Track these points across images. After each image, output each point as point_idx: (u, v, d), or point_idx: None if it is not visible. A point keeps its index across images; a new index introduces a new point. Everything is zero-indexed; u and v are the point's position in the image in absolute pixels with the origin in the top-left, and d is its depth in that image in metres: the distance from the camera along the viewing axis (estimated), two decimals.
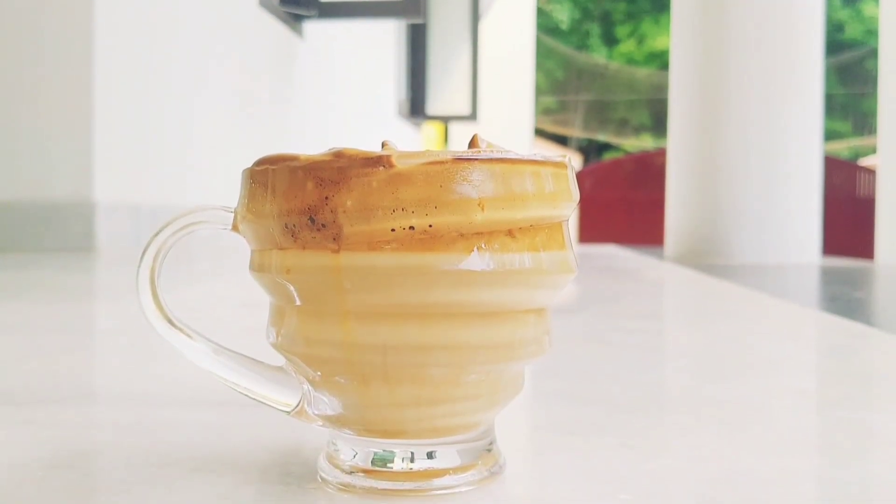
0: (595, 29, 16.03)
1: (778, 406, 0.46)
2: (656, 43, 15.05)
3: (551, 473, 0.32)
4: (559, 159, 0.28)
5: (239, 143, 2.56)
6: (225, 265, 1.55)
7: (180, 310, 0.32)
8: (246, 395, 0.32)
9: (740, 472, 0.32)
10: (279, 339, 0.29)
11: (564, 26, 15.75)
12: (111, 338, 0.73)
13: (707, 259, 2.90)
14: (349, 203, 0.25)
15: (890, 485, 0.32)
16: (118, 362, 0.59)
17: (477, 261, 0.26)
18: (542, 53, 12.13)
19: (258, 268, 0.29)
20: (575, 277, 0.31)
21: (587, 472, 0.32)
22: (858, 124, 13.99)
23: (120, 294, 1.04)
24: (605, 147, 15.21)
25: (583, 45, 15.63)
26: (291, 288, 0.27)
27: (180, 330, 0.31)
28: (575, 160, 11.60)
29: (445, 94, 5.26)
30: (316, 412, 0.30)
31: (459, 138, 7.33)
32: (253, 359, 0.32)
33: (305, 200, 0.26)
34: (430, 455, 0.29)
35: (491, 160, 0.26)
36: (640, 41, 15.75)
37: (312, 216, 0.26)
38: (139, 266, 0.31)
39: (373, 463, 0.29)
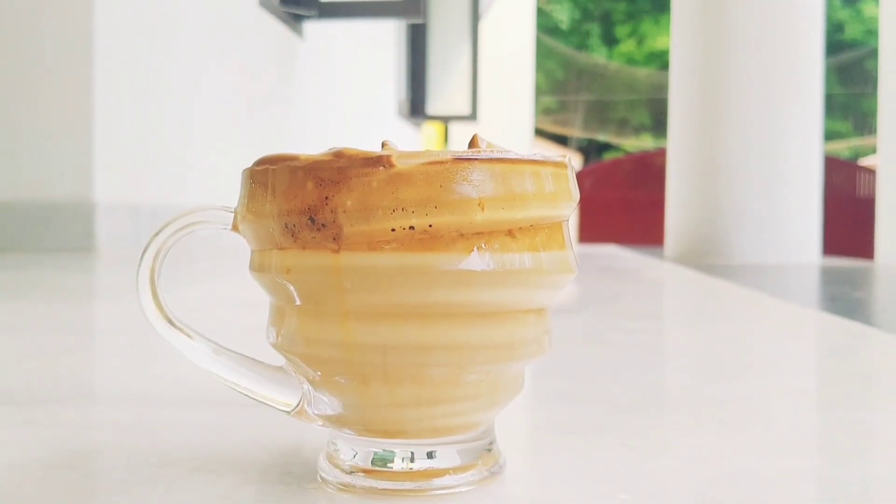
0: (595, 29, 16.04)
1: (778, 406, 0.46)
2: (656, 43, 15.05)
3: (551, 473, 0.32)
4: (559, 159, 0.28)
5: (239, 143, 2.56)
6: (225, 265, 1.55)
7: (180, 310, 0.32)
8: (246, 395, 0.32)
9: (740, 472, 0.32)
10: (279, 339, 0.29)
11: (564, 26, 15.75)
12: (111, 338, 0.73)
13: (707, 259, 2.90)
14: (349, 203, 0.25)
15: (890, 485, 0.32)
16: (118, 362, 0.59)
17: (477, 261, 0.26)
18: (542, 53, 12.14)
19: (258, 268, 0.29)
20: (575, 277, 0.31)
21: (587, 472, 0.32)
22: (858, 124, 14.00)
23: (120, 294, 1.04)
24: (605, 147, 15.21)
25: (583, 45, 15.64)
26: (291, 288, 0.27)
27: (180, 330, 0.31)
28: (575, 160, 11.61)
29: (445, 94, 5.26)
30: (316, 412, 0.30)
31: (459, 138, 7.33)
32: (253, 359, 0.32)
33: (305, 200, 0.26)
34: (430, 455, 0.29)
35: (491, 160, 0.26)
36: (640, 41, 15.75)
37: (312, 216, 0.26)
38: (139, 266, 0.31)
39: (373, 463, 0.29)
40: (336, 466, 0.29)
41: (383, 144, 0.28)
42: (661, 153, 6.30)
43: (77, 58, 1.79)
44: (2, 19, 1.80)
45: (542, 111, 13.55)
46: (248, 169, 0.29)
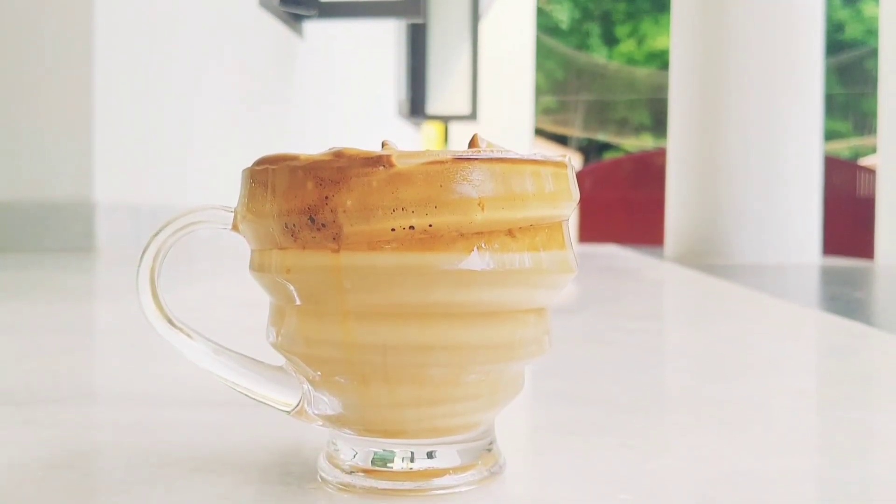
0: (595, 29, 16.04)
1: (778, 406, 0.46)
2: (656, 43, 15.05)
3: (551, 473, 0.32)
4: (559, 159, 0.28)
5: (239, 143, 2.56)
6: (225, 265, 1.55)
7: (180, 310, 0.32)
8: (246, 395, 0.32)
9: (740, 472, 0.32)
10: (279, 338, 0.29)
11: (564, 26, 15.76)
12: (111, 338, 0.73)
13: (707, 259, 2.90)
14: (349, 203, 0.25)
15: (890, 485, 0.32)
16: (118, 362, 0.59)
17: (477, 260, 0.26)
18: (542, 53, 12.14)
19: (258, 267, 0.29)
20: (575, 277, 0.31)
21: (587, 472, 0.32)
22: (858, 124, 14.00)
23: (120, 294, 1.04)
24: (605, 147, 15.22)
25: (583, 45, 15.64)
26: (291, 288, 0.27)
27: (180, 330, 0.31)
28: (575, 160, 11.58)
29: (445, 93, 5.26)
30: (316, 412, 0.30)
31: (459, 138, 7.33)
32: (253, 359, 0.32)
33: (305, 200, 0.26)
34: (430, 455, 0.29)
35: (491, 160, 0.26)
36: (640, 41, 15.75)
37: (312, 216, 0.26)
38: (139, 266, 0.31)
39: (373, 463, 0.29)
40: (336, 466, 0.29)
41: (383, 144, 0.28)
42: (661, 153, 6.30)
43: (77, 58, 1.79)
44: (2, 19, 1.80)
45: (542, 111, 13.55)
46: (248, 169, 0.29)
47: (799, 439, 0.39)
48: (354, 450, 0.29)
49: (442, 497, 0.28)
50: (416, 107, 5.28)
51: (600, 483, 0.30)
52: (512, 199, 0.26)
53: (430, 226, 0.25)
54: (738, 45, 2.89)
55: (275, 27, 2.86)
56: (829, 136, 11.18)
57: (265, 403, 0.31)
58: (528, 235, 0.27)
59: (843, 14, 14.95)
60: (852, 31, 14.91)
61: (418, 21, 3.79)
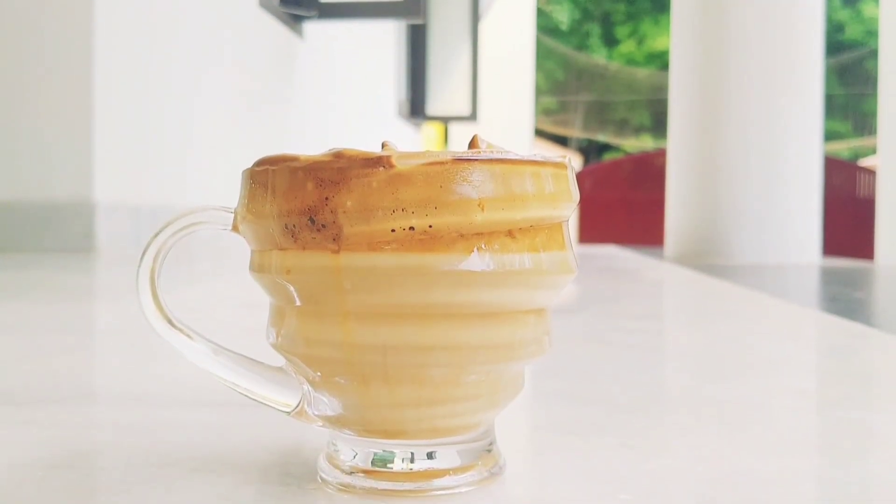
0: (595, 29, 16.04)
1: (778, 406, 0.46)
2: (656, 43, 15.05)
3: (551, 474, 0.32)
4: (559, 160, 0.28)
5: (239, 143, 2.56)
6: (225, 266, 1.55)
7: (180, 310, 0.32)
8: (246, 396, 0.32)
9: (740, 472, 0.32)
10: (279, 339, 0.29)
11: (564, 27, 15.76)
12: (111, 338, 0.73)
13: (707, 259, 2.90)
14: (349, 203, 0.25)
15: (890, 485, 0.32)
16: (118, 362, 0.59)
17: (477, 261, 0.26)
18: (542, 54, 12.14)
19: (258, 268, 0.29)
20: (575, 278, 0.31)
21: (587, 472, 0.32)
22: (858, 125, 14.00)
23: (120, 294, 1.04)
24: (605, 147, 15.22)
25: (583, 46, 15.64)
26: (291, 288, 0.27)
27: (180, 330, 0.31)
28: (575, 161, 11.61)
29: (445, 94, 5.26)
30: (316, 413, 0.30)
31: (459, 139, 7.33)
32: (253, 359, 0.32)
33: (305, 201, 0.26)
34: (430, 455, 0.29)
35: (491, 161, 0.26)
36: (640, 42, 15.76)
37: (312, 217, 0.26)
38: (139, 266, 0.31)
39: (373, 463, 0.29)
40: (336, 467, 0.29)
41: (383, 145, 0.28)
42: (661, 153, 6.30)
43: (77, 58, 1.79)
44: (2, 19, 1.80)
45: (542, 112, 13.55)
46: (248, 169, 0.29)
47: (799, 439, 0.39)
48: (354, 450, 0.29)
49: (442, 498, 0.28)
50: (416, 107, 5.29)
51: (600, 483, 0.30)
52: (512, 199, 0.26)
53: (430, 226, 0.25)
54: (738, 45, 2.89)
55: (275, 27, 2.86)
56: (829, 136, 11.18)
57: (265, 404, 0.31)
58: (528, 236, 0.27)
59: (843, 15, 14.95)
60: (852, 31, 14.91)
61: (418, 22, 3.79)
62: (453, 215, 0.25)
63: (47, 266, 1.40)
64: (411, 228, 0.25)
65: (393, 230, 0.25)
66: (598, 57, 15.41)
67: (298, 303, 0.28)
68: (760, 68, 2.87)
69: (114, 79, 1.87)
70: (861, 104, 13.64)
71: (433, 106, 5.31)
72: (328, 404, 0.29)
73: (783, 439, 0.38)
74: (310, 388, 0.30)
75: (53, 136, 1.80)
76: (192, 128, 2.27)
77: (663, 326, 0.95)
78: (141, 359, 0.59)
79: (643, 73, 14.60)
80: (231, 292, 1.14)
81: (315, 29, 3.26)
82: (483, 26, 6.30)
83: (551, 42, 14.06)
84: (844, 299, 1.66)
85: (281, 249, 0.27)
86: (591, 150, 14.96)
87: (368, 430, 0.28)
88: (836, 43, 13.56)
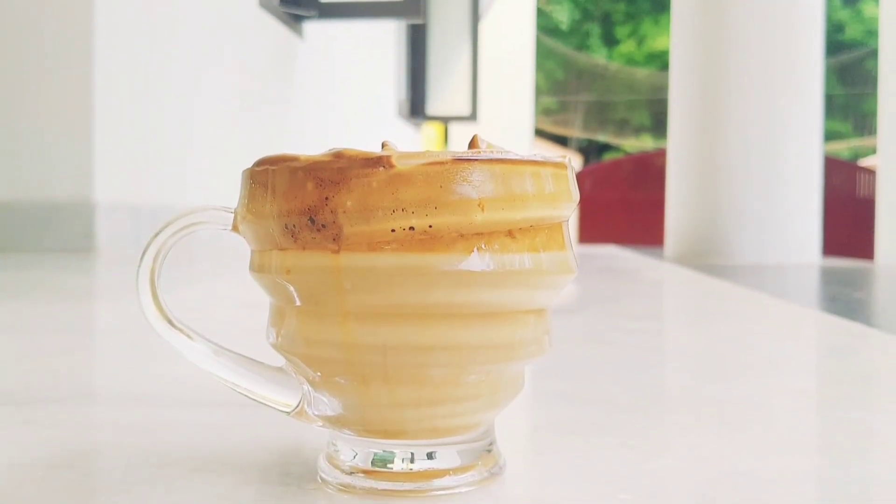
0: (595, 29, 16.04)
1: (778, 406, 0.46)
2: (656, 43, 15.05)
3: (551, 474, 0.32)
4: (559, 160, 0.28)
5: (239, 143, 2.56)
6: (225, 266, 1.55)
7: (180, 310, 0.32)
8: (246, 396, 0.32)
9: (740, 472, 0.32)
10: (279, 339, 0.29)
11: (564, 27, 15.76)
12: (111, 338, 0.73)
13: (707, 259, 2.90)
14: (349, 203, 0.25)
15: (890, 485, 0.32)
16: (118, 362, 0.59)
17: (477, 261, 0.26)
18: (542, 54, 12.14)
19: (258, 268, 0.29)
20: (575, 278, 0.31)
21: (587, 472, 0.32)
22: (858, 125, 14.00)
23: (120, 294, 1.04)
24: (605, 147, 15.22)
25: (583, 46, 15.64)
26: (291, 288, 0.27)
27: (180, 330, 0.31)
28: (575, 161, 11.61)
29: (445, 94, 5.26)
30: (316, 413, 0.30)
31: (459, 139, 7.33)
32: (253, 359, 0.32)
33: (305, 201, 0.26)
34: (430, 455, 0.29)
35: (491, 161, 0.26)
36: (640, 42, 15.76)
37: (312, 217, 0.26)
38: (139, 266, 0.31)
39: (373, 463, 0.29)
40: (336, 467, 0.29)
41: (383, 145, 0.28)
42: (661, 154, 6.30)
43: (77, 58, 1.79)
44: (2, 19, 1.80)
45: (542, 112, 13.55)
46: (248, 169, 0.29)
47: (799, 439, 0.39)
48: (354, 450, 0.29)
49: (442, 498, 0.28)
50: (416, 107, 5.29)
51: (600, 483, 0.30)
52: (512, 199, 0.26)
53: (430, 226, 0.25)
54: (738, 45, 2.89)
55: (275, 27, 2.86)
56: (830, 136, 11.18)
57: (265, 404, 0.31)
58: (528, 236, 0.27)
59: (843, 14, 14.95)
60: (852, 31, 14.91)
61: (418, 21, 3.79)
62: (453, 215, 0.25)
63: (47, 266, 1.40)
64: (411, 228, 0.25)
65: (393, 230, 0.25)
66: (598, 57, 15.41)
67: (298, 303, 0.28)
68: (760, 68, 2.87)
69: (114, 79, 1.87)
70: (861, 104, 13.64)
71: (433, 106, 5.31)
72: (328, 404, 0.29)
73: (783, 439, 0.38)
74: (310, 389, 0.30)
75: (53, 136, 1.80)
76: (192, 128, 2.27)
77: (663, 326, 0.95)
78: (141, 359, 0.59)
79: (643, 73, 14.61)
80: (231, 293, 1.14)
81: (315, 29, 3.26)
82: (483, 26, 6.30)
83: (551, 42, 14.06)
84: (844, 299, 1.66)
85: (281, 249, 0.27)
86: (591, 150, 14.96)
87: (368, 430, 0.28)
88: (836, 43, 13.57)
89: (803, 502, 0.30)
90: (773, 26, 2.87)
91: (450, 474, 0.29)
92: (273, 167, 0.27)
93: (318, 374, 0.28)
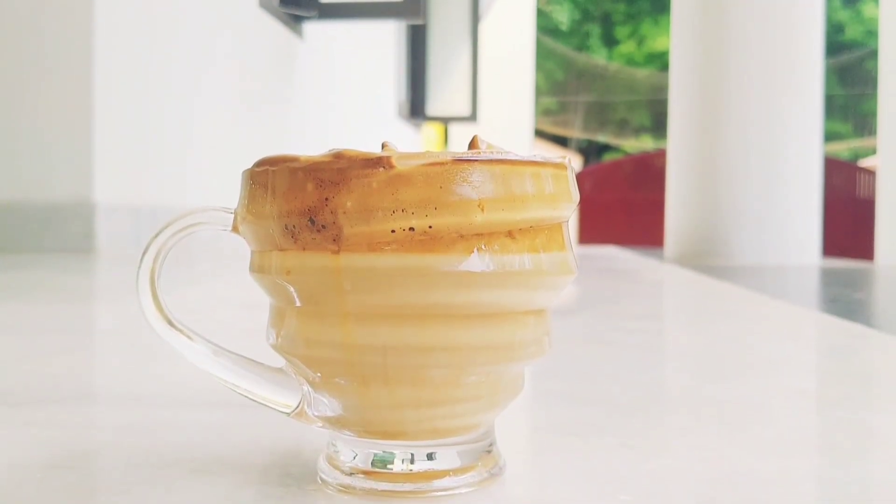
0: (595, 30, 16.04)
1: (778, 406, 0.46)
2: (656, 44, 15.06)
3: (551, 474, 0.32)
4: (559, 160, 0.28)
5: (239, 143, 2.56)
6: (225, 266, 1.55)
7: (180, 311, 0.32)
8: (246, 397, 0.32)
9: (740, 472, 0.32)
10: (279, 340, 0.29)
11: (564, 27, 15.76)
12: (111, 338, 0.73)
13: (707, 260, 2.90)
14: (349, 204, 0.25)
15: (890, 485, 0.32)
16: (118, 362, 0.59)
17: (477, 262, 0.26)
18: (542, 54, 12.14)
19: (258, 269, 0.29)
20: (575, 279, 0.31)
21: (587, 472, 0.32)
22: (858, 125, 14.00)
23: (120, 295, 1.04)
24: (605, 148, 15.22)
25: (583, 46, 15.64)
26: (291, 289, 0.27)
27: (180, 331, 0.31)
28: (575, 161, 11.61)
29: (445, 94, 5.26)
30: (316, 413, 0.30)
31: (459, 139, 7.33)
32: (253, 360, 0.32)
33: (305, 201, 0.26)
34: (430, 456, 0.29)
35: (491, 161, 0.26)
36: (640, 42, 15.76)
37: (312, 217, 0.26)
38: (139, 267, 0.31)
39: (373, 464, 0.29)
40: (336, 468, 0.29)
41: (383, 145, 0.28)
42: (661, 154, 6.31)
43: (77, 58, 1.79)
44: (2, 19, 1.80)
45: (542, 112, 13.55)
46: (248, 170, 0.29)
47: (799, 439, 0.39)
48: (354, 451, 0.29)
49: (442, 499, 0.28)
50: (415, 108, 5.28)
51: (600, 483, 0.30)
52: (512, 200, 0.26)
53: (430, 227, 0.25)
54: (738, 45, 2.89)
55: (275, 28, 2.86)
56: (829, 137, 11.19)
57: (265, 405, 0.31)
58: (528, 237, 0.27)
59: (843, 15, 14.96)
60: (852, 32, 14.91)
61: (418, 22, 3.79)
62: (453, 216, 0.25)
63: (47, 267, 1.40)
64: (411, 229, 0.25)
65: (393, 231, 0.25)
66: (598, 57, 15.41)
67: (298, 303, 0.28)
68: (760, 68, 2.87)
69: (114, 79, 1.87)
70: (861, 105, 13.64)
71: (433, 106, 5.31)
72: (328, 405, 0.29)
73: (783, 439, 0.38)
74: (310, 389, 0.30)
75: (53, 136, 1.80)
76: (192, 128, 2.27)
77: (663, 327, 0.95)
78: (141, 359, 0.59)
79: (643, 74, 14.61)
80: (231, 293, 1.14)
81: (315, 29, 3.26)
82: (483, 27, 6.30)
83: (551, 42, 14.06)
84: (844, 300, 1.66)
85: (281, 250, 0.27)
86: (590, 151, 14.96)
87: (368, 430, 0.28)
88: (836, 43, 13.57)
89: (803, 502, 0.30)
90: (773, 26, 2.87)
91: (450, 475, 0.29)
92: (273, 168, 0.27)
93: (318, 374, 0.28)
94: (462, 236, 0.26)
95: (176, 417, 0.40)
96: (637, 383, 0.52)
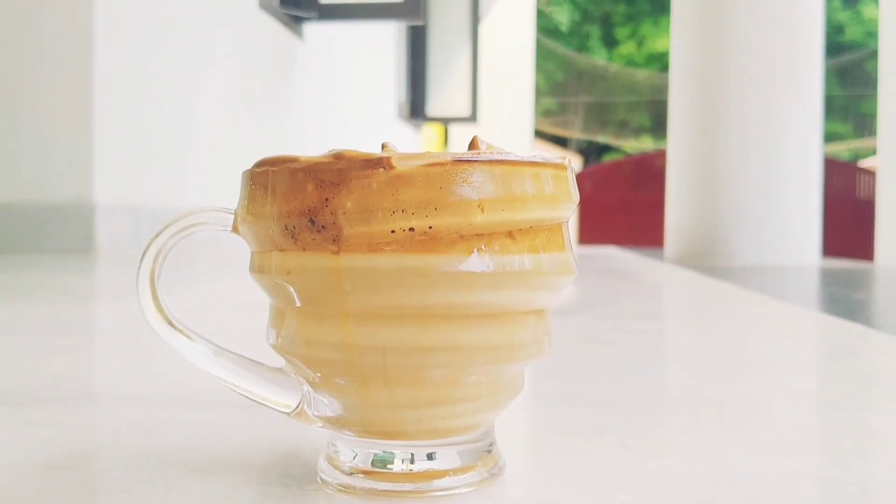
0: (595, 31, 16.04)
1: (778, 406, 0.46)
2: (656, 45, 15.06)
3: (551, 474, 0.32)
4: (559, 161, 0.28)
5: (239, 143, 2.56)
6: (225, 267, 1.55)
7: (180, 311, 0.32)
8: (246, 397, 0.32)
9: (740, 472, 0.32)
10: (279, 340, 0.29)
11: (564, 28, 15.77)
12: (111, 338, 0.73)
13: (707, 260, 2.90)
14: (349, 205, 0.25)
15: (890, 485, 0.32)
16: (118, 362, 0.59)
17: (477, 262, 0.26)
18: (542, 55, 12.14)
19: (258, 269, 0.29)
20: (575, 279, 0.31)
21: (587, 472, 0.32)
22: (858, 126, 14.00)
23: (120, 295, 1.04)
24: (605, 149, 15.22)
25: (583, 47, 15.65)
26: (291, 289, 0.27)
27: (180, 331, 0.31)
28: (575, 162, 11.61)
29: (445, 95, 5.26)
30: (316, 413, 0.30)
31: (459, 140, 7.33)
32: (253, 360, 0.32)
33: (305, 202, 0.26)
34: (430, 456, 0.29)
35: (491, 162, 0.26)
36: (640, 43, 15.76)
37: (312, 218, 0.26)
38: (139, 267, 0.31)
39: (373, 464, 0.29)
40: (336, 468, 0.29)
41: (383, 146, 0.28)
42: (661, 155, 6.31)
43: (77, 58, 1.79)
44: (2, 19, 1.80)
45: (542, 113, 13.55)
46: (248, 170, 0.29)
47: (799, 439, 0.39)
48: (354, 451, 0.29)
49: (442, 498, 0.28)
50: (415, 108, 5.29)
51: (600, 483, 0.30)
52: (512, 200, 0.26)
53: (430, 227, 0.25)
54: (738, 45, 2.89)
55: (275, 28, 2.86)
56: (829, 137, 11.19)
57: (265, 405, 0.31)
58: (528, 237, 0.27)
59: (843, 16, 14.96)
60: (852, 32, 14.91)
61: (418, 23, 3.79)
62: (453, 216, 0.25)
63: (47, 267, 1.40)
64: (411, 229, 0.25)
65: (393, 231, 0.25)
66: (598, 58, 15.41)
67: (298, 304, 0.28)
68: (760, 68, 2.87)
69: (114, 79, 1.87)
70: (861, 105, 13.63)
71: (433, 107, 5.31)
72: (328, 405, 0.29)
73: (783, 439, 0.38)
74: (310, 389, 0.30)
75: (53, 136, 1.80)
76: (192, 128, 2.27)
77: (663, 327, 0.95)
78: (141, 359, 0.59)
79: (643, 75, 14.61)
80: (231, 293, 1.14)
81: (315, 30, 3.27)
82: (483, 27, 6.30)
83: (551, 43, 14.06)
84: (844, 300, 1.66)
85: (281, 250, 0.27)
86: (590, 152, 14.97)
87: (368, 430, 0.29)
88: (836, 44, 13.57)
89: (803, 502, 0.30)
90: (773, 26, 2.87)
91: (450, 475, 0.29)
92: (273, 168, 0.27)
93: (318, 375, 0.28)
94: (462, 237, 0.26)
95: (176, 417, 0.40)
96: (637, 383, 0.52)
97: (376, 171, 0.25)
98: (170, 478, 0.30)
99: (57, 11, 1.79)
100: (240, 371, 0.31)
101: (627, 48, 15.78)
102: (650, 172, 7.34)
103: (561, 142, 14.09)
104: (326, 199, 0.26)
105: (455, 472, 0.29)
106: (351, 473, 0.29)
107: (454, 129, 7.42)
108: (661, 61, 14.16)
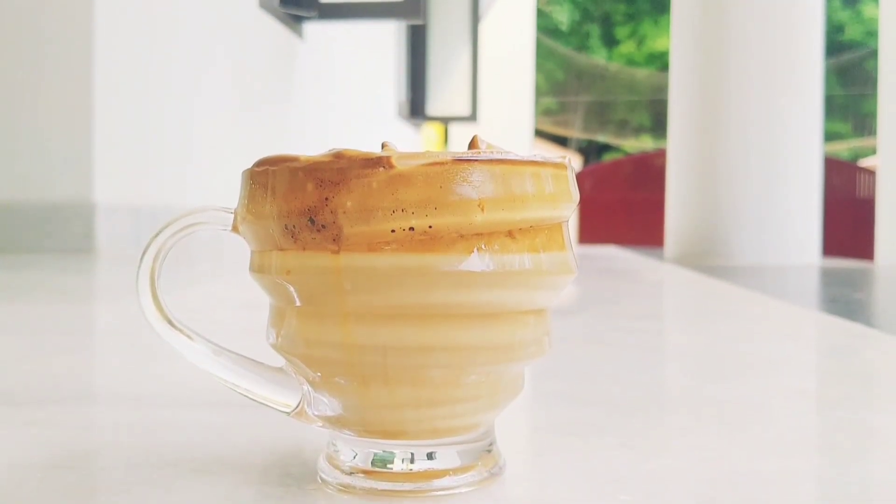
0: (595, 30, 16.04)
1: (778, 406, 0.46)
2: (656, 44, 15.06)
3: (551, 474, 0.32)
4: (559, 160, 0.28)
5: (239, 143, 2.56)
6: (225, 266, 1.55)
7: (180, 311, 0.32)
8: (246, 396, 0.32)
9: (740, 472, 0.32)
10: (279, 340, 0.29)
11: (564, 27, 15.76)
12: (111, 338, 0.73)
13: (707, 260, 2.90)
14: (349, 204, 0.25)
15: (890, 485, 0.32)
16: (118, 362, 0.59)
17: (477, 262, 0.26)
18: (542, 54, 12.14)
19: (258, 269, 0.29)
20: (575, 278, 0.31)
21: (587, 472, 0.32)
22: (858, 125, 14.00)
23: (120, 295, 1.04)
24: (605, 148, 15.22)
25: (583, 47, 15.64)
26: (291, 289, 0.27)
27: (180, 331, 0.31)
28: (575, 161, 11.61)
29: (445, 95, 5.26)
30: (316, 413, 0.30)
31: (459, 139, 7.33)
32: (253, 360, 0.32)
33: (305, 201, 0.26)
34: (430, 456, 0.29)
35: (491, 161, 0.26)
36: (640, 42, 15.76)
37: (312, 217, 0.26)
38: (139, 267, 0.31)
39: (373, 464, 0.29)
40: (336, 467, 0.29)
41: (383, 145, 0.28)
42: (661, 154, 6.31)
43: (77, 58, 1.79)
44: (2, 19, 1.80)
45: (542, 112, 13.55)
46: (248, 170, 0.29)
47: (799, 439, 0.39)
48: (354, 451, 0.29)
49: (442, 498, 0.28)
50: (415, 108, 5.28)
51: (600, 483, 0.30)
52: (512, 200, 0.26)
53: (430, 227, 0.25)
54: (738, 45, 2.89)
55: (275, 28, 2.86)
56: (829, 137, 11.19)
57: (265, 404, 0.31)
58: (528, 237, 0.27)
59: (843, 15, 14.96)
60: (852, 32, 14.91)
61: (418, 22, 3.79)
62: (453, 216, 0.25)
63: (47, 267, 1.40)
64: (411, 229, 0.25)
65: (393, 230, 0.25)
66: (598, 58, 15.41)
67: (298, 303, 0.28)
68: (760, 68, 2.87)
69: (114, 79, 1.87)
70: (861, 105, 13.63)
71: (433, 106, 5.31)
72: (328, 405, 0.29)
73: (783, 439, 0.38)
74: (310, 389, 0.30)
75: (53, 136, 1.80)
76: (192, 128, 2.27)
77: (663, 327, 0.95)
78: (141, 359, 0.59)
79: (643, 74, 14.61)
80: (231, 293, 1.14)
81: (315, 29, 3.26)
82: (483, 27, 6.30)
83: (551, 43, 14.06)
84: (844, 300, 1.66)
85: (281, 250, 0.27)
86: (590, 151, 14.96)
87: (368, 430, 0.28)
88: (836, 43, 13.57)
89: (803, 502, 0.30)
90: (773, 26, 2.87)
91: (450, 475, 0.29)
92: (273, 168, 0.27)
93: (318, 374, 0.28)
94: (462, 236, 0.26)
95: (176, 417, 0.40)
96: (637, 383, 0.52)
97: (376, 170, 0.25)
98: (170, 478, 0.30)
99: (57, 11, 1.79)
100: (240, 371, 0.31)
101: (627, 47, 15.78)
102: (650, 172, 7.34)
103: (561, 141, 14.09)
104: (326, 199, 0.26)
105: (455, 471, 0.29)
106: (351, 473, 0.29)
107: (454, 129, 7.42)
108: (661, 61, 14.16)
